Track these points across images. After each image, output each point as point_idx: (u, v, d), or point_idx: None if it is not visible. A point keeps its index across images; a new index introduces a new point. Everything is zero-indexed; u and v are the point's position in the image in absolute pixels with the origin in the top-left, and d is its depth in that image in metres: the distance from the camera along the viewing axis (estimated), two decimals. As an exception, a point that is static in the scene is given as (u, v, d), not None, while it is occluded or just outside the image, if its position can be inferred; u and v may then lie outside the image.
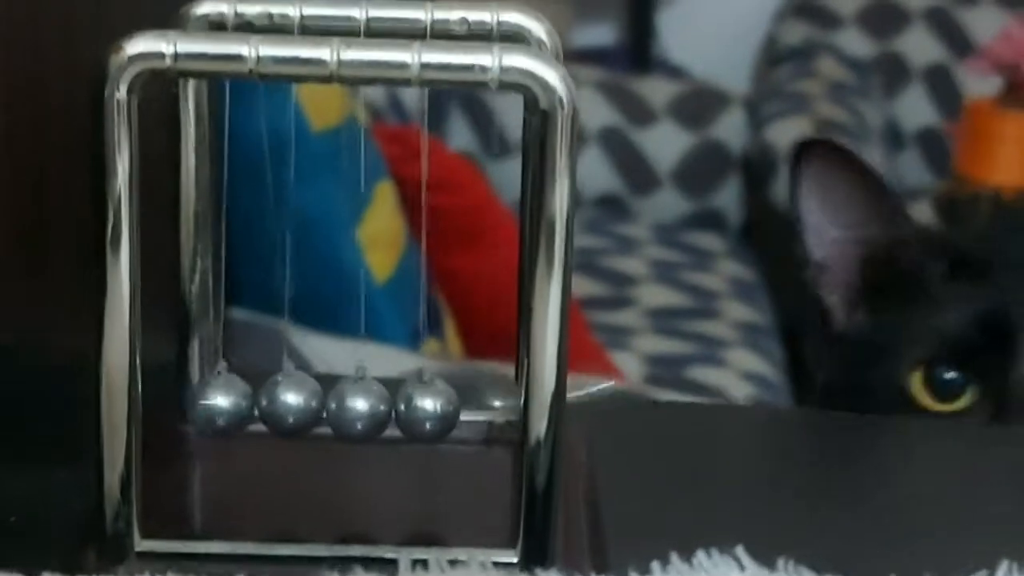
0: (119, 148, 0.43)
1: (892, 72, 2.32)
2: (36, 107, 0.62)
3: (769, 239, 2.01)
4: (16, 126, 0.60)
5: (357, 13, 0.50)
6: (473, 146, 2.00)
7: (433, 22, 0.50)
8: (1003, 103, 1.94)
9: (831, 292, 0.76)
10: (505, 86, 0.44)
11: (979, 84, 2.09)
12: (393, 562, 0.45)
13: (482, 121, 2.03)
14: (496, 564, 0.45)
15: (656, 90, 2.18)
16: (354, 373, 0.50)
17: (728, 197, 2.12)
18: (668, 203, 2.12)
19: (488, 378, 0.51)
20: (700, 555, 0.43)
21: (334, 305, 0.99)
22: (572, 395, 0.68)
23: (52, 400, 0.58)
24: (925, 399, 0.72)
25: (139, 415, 0.45)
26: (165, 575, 0.44)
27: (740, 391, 1.65)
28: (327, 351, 1.07)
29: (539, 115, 0.44)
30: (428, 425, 0.49)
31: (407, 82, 0.44)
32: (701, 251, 2.02)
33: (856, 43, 2.33)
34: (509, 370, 0.54)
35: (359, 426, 0.49)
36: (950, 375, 0.71)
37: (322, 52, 0.44)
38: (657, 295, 1.87)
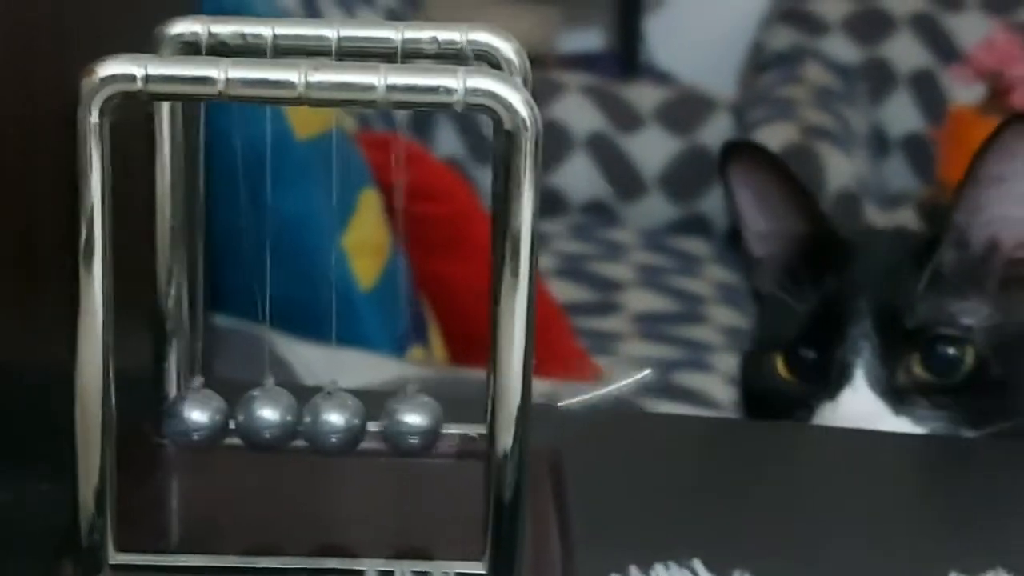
0: (91, 168, 0.44)
1: (878, 78, 2.33)
2: (25, 119, 0.63)
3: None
4: (4, 138, 0.61)
5: (329, 33, 0.51)
6: (460, 154, 2.01)
7: (404, 42, 0.51)
8: (986, 110, 1.95)
9: (766, 283, 0.80)
10: (470, 108, 0.45)
11: (964, 90, 2.10)
12: (360, 573, 0.46)
13: (469, 129, 2.04)
14: (461, 575, 0.46)
15: (643, 96, 2.19)
16: (326, 388, 0.51)
17: (715, 202, 2.13)
18: (655, 208, 2.13)
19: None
20: (658, 568, 0.44)
21: (318, 312, 0.99)
22: (613, 387, 0.69)
23: (30, 413, 0.59)
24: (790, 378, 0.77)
25: (113, 429, 0.46)
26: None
27: (726, 396, 1.66)
28: (311, 358, 1.08)
29: (503, 135, 0.45)
30: (413, 439, 0.50)
31: (373, 104, 0.45)
32: (688, 256, 2.03)
33: (842, 49, 2.34)
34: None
35: (334, 439, 0.50)
36: (805, 354, 0.77)
37: (290, 75, 0.44)
38: (644, 300, 1.88)
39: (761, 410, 0.78)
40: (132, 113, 0.49)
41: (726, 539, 0.50)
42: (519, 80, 0.50)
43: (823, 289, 0.76)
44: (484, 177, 1.85)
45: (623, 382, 0.67)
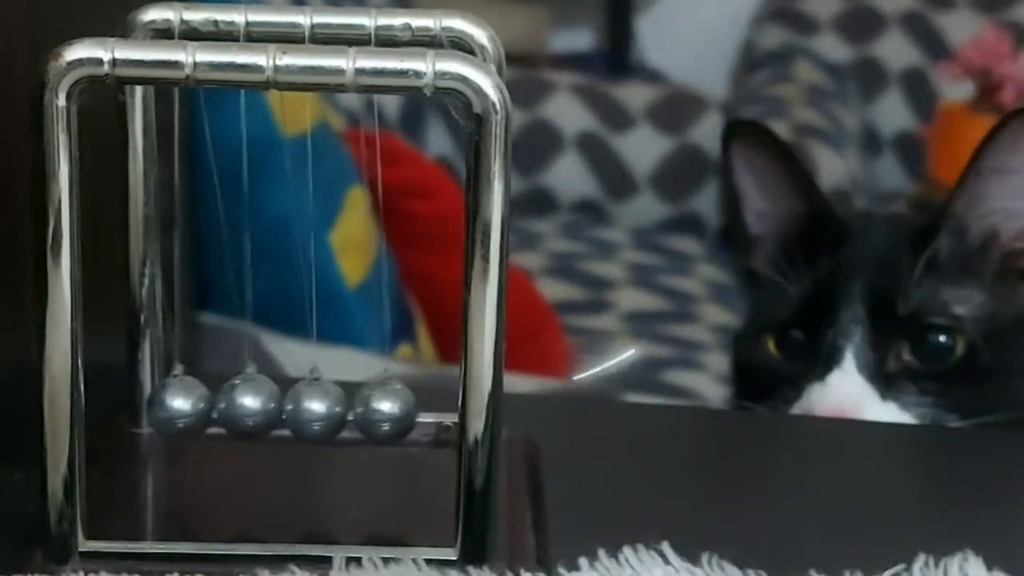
0: (59, 155, 0.44)
1: (869, 76, 2.33)
2: (2, 114, 0.63)
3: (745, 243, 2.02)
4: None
5: (302, 20, 0.51)
6: (450, 153, 2.01)
7: (377, 28, 0.51)
8: (975, 108, 1.95)
9: (762, 263, 0.80)
10: (440, 92, 0.44)
11: (955, 88, 2.10)
12: (328, 560, 0.46)
13: (459, 128, 2.04)
14: (431, 561, 0.46)
15: (634, 95, 2.19)
16: (308, 375, 0.51)
17: (705, 201, 2.13)
18: (646, 207, 2.13)
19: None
20: (627, 551, 0.44)
21: (306, 309, 0.99)
22: (599, 367, 0.69)
23: (4, 402, 0.58)
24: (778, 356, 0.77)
25: (82, 418, 0.46)
26: (99, 574, 0.44)
27: (717, 394, 1.66)
28: (299, 355, 1.08)
29: (473, 120, 0.45)
30: (385, 427, 0.50)
31: (343, 87, 0.44)
32: (679, 255, 2.02)
33: (833, 47, 2.34)
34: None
35: (316, 427, 0.50)
36: (796, 336, 0.77)
37: (259, 58, 0.44)
38: (634, 299, 1.87)
39: (751, 389, 0.78)
40: (107, 99, 0.49)
41: (697, 524, 0.50)
42: (492, 67, 0.49)
43: (817, 271, 0.76)
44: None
45: (621, 357, 0.67)
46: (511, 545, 0.48)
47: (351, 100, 1.66)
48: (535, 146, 2.09)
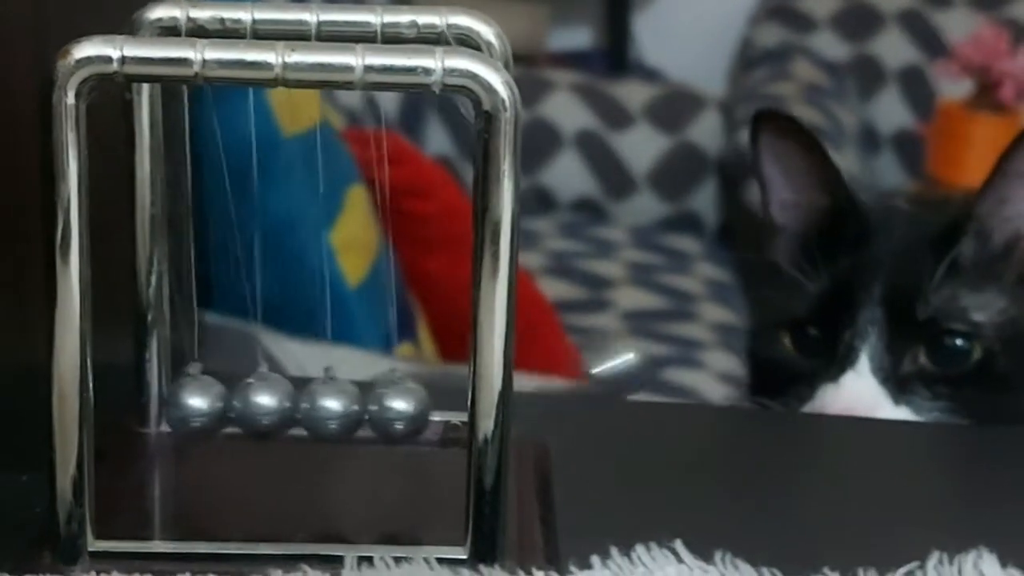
0: (68, 154, 0.44)
1: (867, 74, 2.33)
2: (6, 111, 0.62)
3: (745, 241, 2.02)
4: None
5: (309, 17, 0.51)
6: (450, 152, 2.01)
7: (384, 25, 0.51)
8: (973, 105, 1.95)
9: (784, 256, 0.79)
10: (448, 89, 0.44)
11: (953, 86, 2.10)
12: (340, 559, 0.45)
13: (459, 127, 2.04)
14: (442, 560, 0.46)
15: (632, 93, 2.19)
16: (323, 375, 0.51)
17: (704, 199, 2.13)
18: (644, 206, 2.13)
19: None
20: (639, 549, 0.44)
21: (307, 309, 0.99)
22: (599, 368, 0.69)
23: (11, 403, 0.58)
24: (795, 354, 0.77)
25: (91, 418, 0.46)
26: (111, 574, 0.44)
27: (716, 392, 1.66)
28: (301, 355, 1.08)
29: (482, 117, 0.44)
30: (399, 425, 0.50)
31: (351, 85, 0.44)
32: (677, 253, 2.03)
33: (831, 45, 2.34)
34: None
35: (332, 426, 0.50)
36: (812, 333, 0.76)
37: (268, 55, 0.44)
38: (633, 298, 1.87)
39: (766, 384, 0.78)
40: (117, 97, 0.49)
41: (709, 522, 0.50)
42: (500, 63, 0.49)
43: (837, 269, 0.76)
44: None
45: (621, 358, 0.67)
46: (521, 543, 0.48)
47: (351, 99, 1.66)
48: (534, 145, 2.09)
